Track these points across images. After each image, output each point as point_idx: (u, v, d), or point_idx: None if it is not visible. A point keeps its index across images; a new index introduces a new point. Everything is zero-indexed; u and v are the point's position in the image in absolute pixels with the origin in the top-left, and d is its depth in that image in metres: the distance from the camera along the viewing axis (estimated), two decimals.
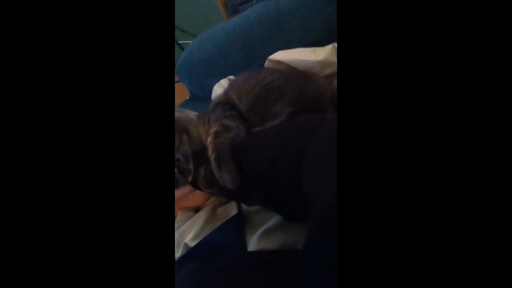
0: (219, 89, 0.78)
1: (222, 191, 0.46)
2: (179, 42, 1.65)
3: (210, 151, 0.44)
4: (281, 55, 0.70)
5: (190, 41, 1.57)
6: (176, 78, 1.32)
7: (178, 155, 0.44)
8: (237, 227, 0.49)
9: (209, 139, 0.45)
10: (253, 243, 0.46)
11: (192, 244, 0.49)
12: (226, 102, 0.51)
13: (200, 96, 0.92)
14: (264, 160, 0.39)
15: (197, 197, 0.52)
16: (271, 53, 0.72)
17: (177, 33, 1.60)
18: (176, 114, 0.50)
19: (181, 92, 1.48)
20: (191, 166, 0.45)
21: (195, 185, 0.48)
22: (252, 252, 0.45)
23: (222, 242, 0.48)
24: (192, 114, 0.53)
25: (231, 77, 0.79)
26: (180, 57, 0.92)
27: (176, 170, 0.44)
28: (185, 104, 1.00)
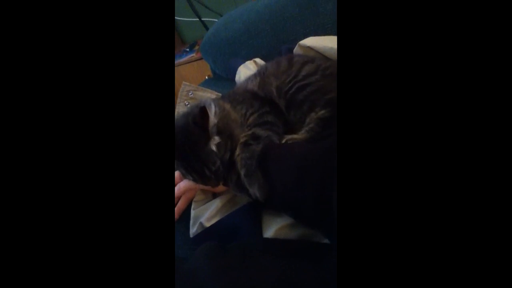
0: (244, 70, 0.77)
1: (251, 198, 0.45)
2: (202, 19, 1.62)
3: (238, 165, 0.44)
4: (312, 41, 0.68)
5: (214, 19, 1.55)
6: (200, 55, 1.31)
7: (219, 162, 0.44)
8: (255, 212, 0.48)
9: (237, 150, 0.45)
10: (270, 231, 0.45)
11: (208, 224, 0.49)
12: (264, 98, 0.50)
13: (223, 76, 0.90)
14: (292, 174, 0.39)
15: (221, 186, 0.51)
16: (301, 37, 0.69)
17: (201, 10, 1.57)
18: (217, 115, 0.47)
19: (203, 70, 1.47)
20: (225, 172, 0.45)
21: (225, 184, 0.48)
22: (268, 239, 0.44)
23: (238, 225, 0.48)
24: (232, 110, 0.50)
25: (258, 59, 0.77)
26: (206, 34, 0.89)
27: (212, 176, 0.44)
28: (207, 83, 0.98)
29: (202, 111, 0.42)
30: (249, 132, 0.45)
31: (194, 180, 0.46)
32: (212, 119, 0.43)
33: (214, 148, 0.43)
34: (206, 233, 0.48)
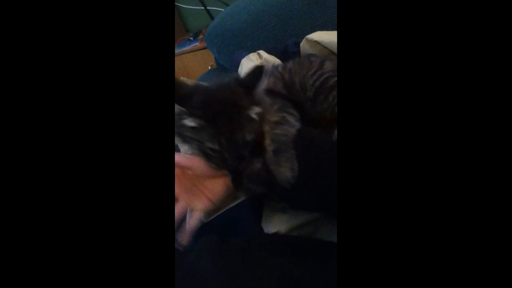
0: (246, 62, 0.75)
1: (272, 191, 0.40)
2: (207, 8, 1.60)
3: (267, 141, 0.38)
4: (319, 36, 0.67)
5: (220, 8, 1.53)
6: (204, 44, 1.29)
7: (252, 135, 0.37)
8: (255, 207, 0.48)
9: (267, 127, 0.40)
10: (271, 226, 0.45)
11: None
12: (285, 94, 0.47)
13: (227, 67, 0.89)
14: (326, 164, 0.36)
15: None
16: (308, 32, 0.68)
17: None
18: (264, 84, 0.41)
19: (206, 60, 1.45)
20: (234, 162, 0.39)
21: (235, 178, 0.42)
22: (269, 235, 0.44)
23: (238, 220, 0.48)
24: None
25: (261, 51, 0.76)
26: (212, 24, 0.88)
27: (244, 148, 0.38)
28: (210, 74, 0.97)
29: (257, 69, 0.37)
30: (280, 114, 0.41)
31: (215, 152, 0.38)
32: (264, 83, 0.39)
33: (254, 116, 0.38)
34: (205, 227, 0.48)
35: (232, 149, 0.38)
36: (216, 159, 0.40)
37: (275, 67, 0.56)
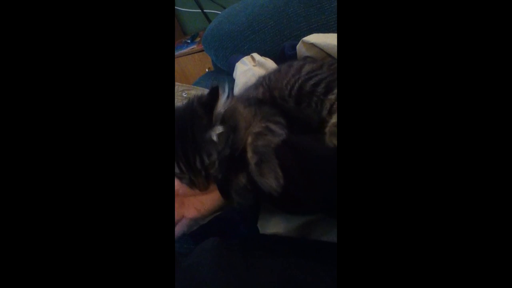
0: (240, 66, 0.76)
1: (263, 200, 0.40)
2: (204, 10, 1.60)
3: (249, 153, 0.39)
4: (316, 38, 0.67)
5: (217, 11, 1.53)
6: (201, 47, 1.29)
7: (215, 156, 0.38)
8: (252, 208, 0.48)
9: (249, 139, 0.40)
10: (267, 227, 0.45)
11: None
12: (272, 103, 0.47)
13: (225, 70, 0.89)
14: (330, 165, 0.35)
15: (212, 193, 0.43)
16: (305, 34, 0.69)
17: (204, 1, 1.55)
18: (226, 103, 0.41)
19: (204, 62, 1.45)
20: (220, 175, 0.40)
21: (223, 192, 0.42)
22: (267, 235, 0.45)
23: (236, 221, 0.48)
24: (241, 107, 0.46)
25: (255, 55, 0.76)
26: (209, 27, 0.88)
27: (203, 172, 0.39)
28: (208, 76, 0.98)
29: (213, 91, 0.38)
30: (263, 125, 0.41)
31: (180, 174, 0.39)
32: (221, 104, 0.39)
33: (214, 137, 0.38)
34: (203, 228, 0.48)
35: (193, 173, 0.39)
36: (185, 181, 0.40)
37: (264, 76, 0.56)
